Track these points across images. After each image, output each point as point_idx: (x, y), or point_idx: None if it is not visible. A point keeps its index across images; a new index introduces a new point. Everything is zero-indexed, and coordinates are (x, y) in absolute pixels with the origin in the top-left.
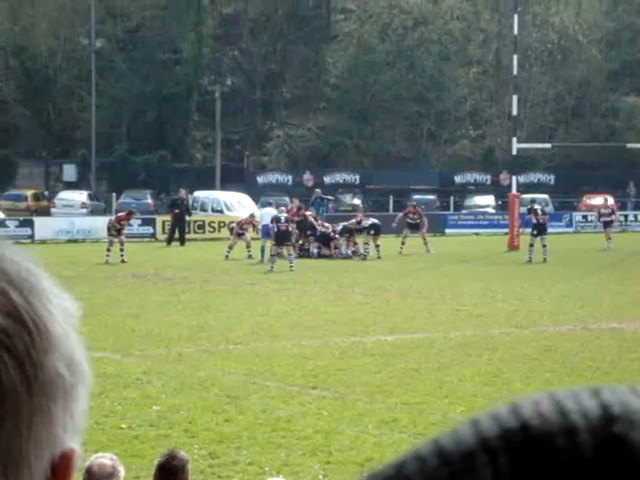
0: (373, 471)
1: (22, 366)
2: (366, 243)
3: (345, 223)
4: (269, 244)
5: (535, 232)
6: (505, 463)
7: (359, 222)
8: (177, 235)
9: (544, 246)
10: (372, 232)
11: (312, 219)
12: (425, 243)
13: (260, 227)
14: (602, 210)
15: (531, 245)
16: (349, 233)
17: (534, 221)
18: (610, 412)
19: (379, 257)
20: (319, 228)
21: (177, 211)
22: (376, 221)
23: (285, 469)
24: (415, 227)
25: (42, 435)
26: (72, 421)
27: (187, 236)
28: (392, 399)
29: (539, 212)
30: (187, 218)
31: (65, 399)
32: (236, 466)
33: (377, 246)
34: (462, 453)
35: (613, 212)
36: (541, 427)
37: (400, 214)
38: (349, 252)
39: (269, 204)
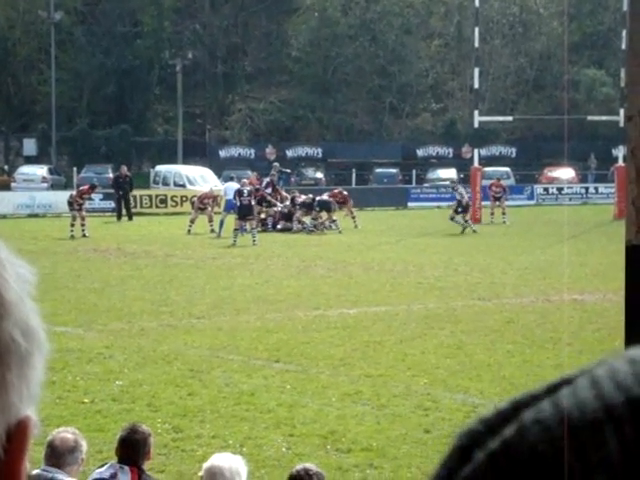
0: (482, 422)
1: None
2: (314, 218)
3: (303, 198)
4: (229, 218)
5: (460, 209)
6: (631, 433)
7: (313, 199)
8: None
9: (466, 221)
10: (317, 209)
11: (268, 195)
12: (353, 217)
13: (223, 201)
14: (494, 188)
15: (454, 219)
16: (306, 208)
17: (458, 198)
18: None
19: (340, 232)
20: (279, 204)
21: (121, 192)
22: (325, 198)
23: (249, 442)
24: (343, 203)
25: None
26: (28, 389)
27: (149, 210)
28: (355, 372)
29: (463, 193)
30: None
31: (20, 366)
32: (199, 440)
33: (333, 221)
34: (589, 423)
35: (504, 190)
36: None
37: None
38: (310, 226)
39: (231, 178)
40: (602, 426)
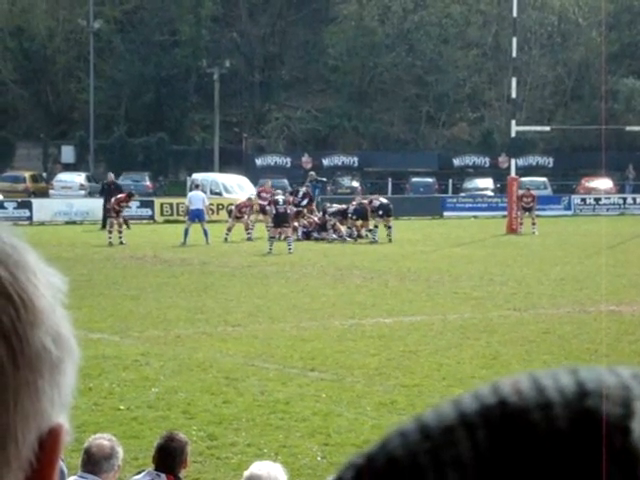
0: (362, 451)
1: (8, 340)
2: (349, 227)
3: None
4: (194, 226)
5: (354, 216)
6: (483, 437)
7: (347, 208)
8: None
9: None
10: (354, 217)
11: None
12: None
13: (190, 210)
14: (525, 199)
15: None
16: (341, 216)
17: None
18: (584, 388)
19: (375, 241)
20: (314, 217)
21: (108, 200)
22: (360, 205)
23: (283, 451)
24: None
25: (29, 410)
26: (59, 396)
27: (185, 218)
28: (390, 381)
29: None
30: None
31: (52, 373)
32: (234, 448)
33: (370, 230)
34: (443, 428)
35: (534, 199)
36: (518, 403)
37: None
38: (344, 235)
39: (197, 187)
40: (455, 430)
